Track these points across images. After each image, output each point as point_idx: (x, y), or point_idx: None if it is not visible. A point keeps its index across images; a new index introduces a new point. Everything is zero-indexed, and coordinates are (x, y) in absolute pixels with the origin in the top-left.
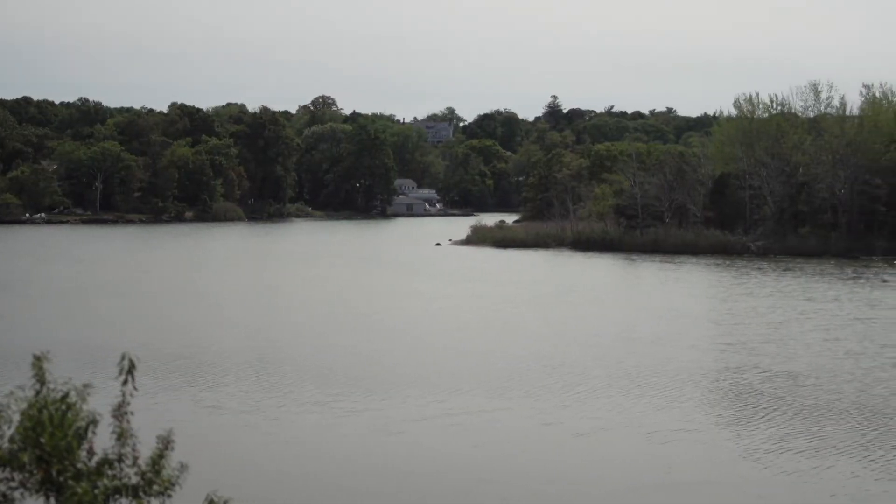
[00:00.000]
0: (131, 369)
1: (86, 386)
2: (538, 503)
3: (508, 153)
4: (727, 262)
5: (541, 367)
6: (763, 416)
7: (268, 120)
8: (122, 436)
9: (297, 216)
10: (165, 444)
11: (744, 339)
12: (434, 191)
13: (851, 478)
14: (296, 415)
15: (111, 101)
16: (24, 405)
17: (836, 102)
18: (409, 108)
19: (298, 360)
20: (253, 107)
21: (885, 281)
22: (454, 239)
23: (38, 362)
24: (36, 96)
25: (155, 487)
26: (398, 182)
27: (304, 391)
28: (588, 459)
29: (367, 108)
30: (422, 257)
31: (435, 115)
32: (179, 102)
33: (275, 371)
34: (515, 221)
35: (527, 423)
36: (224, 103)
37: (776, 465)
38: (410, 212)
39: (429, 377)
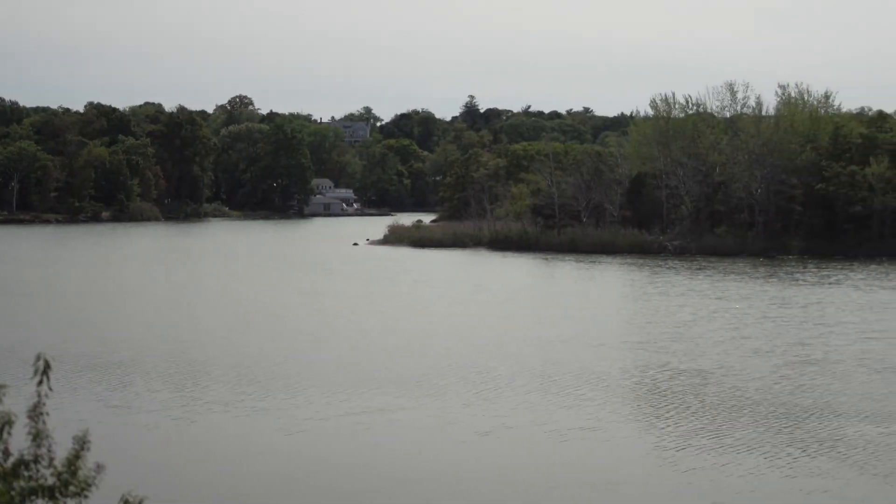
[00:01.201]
0: (46, 370)
1: (0, 387)
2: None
3: (425, 153)
4: (643, 262)
5: (448, 365)
6: (670, 414)
7: (184, 119)
8: (37, 436)
9: (214, 216)
10: (81, 444)
11: (653, 338)
12: (351, 190)
13: (756, 475)
14: (200, 414)
15: (27, 100)
16: None
17: (752, 102)
18: (325, 108)
19: (207, 360)
20: (170, 106)
21: (796, 280)
22: (371, 239)
23: None
24: None
25: (71, 488)
26: (315, 182)
27: (210, 391)
28: (489, 458)
29: (283, 108)
30: (338, 257)
31: (352, 114)
32: (96, 102)
33: (183, 371)
34: (433, 221)
35: (430, 421)
36: (141, 103)
37: (681, 463)
38: (328, 211)
39: (335, 376)
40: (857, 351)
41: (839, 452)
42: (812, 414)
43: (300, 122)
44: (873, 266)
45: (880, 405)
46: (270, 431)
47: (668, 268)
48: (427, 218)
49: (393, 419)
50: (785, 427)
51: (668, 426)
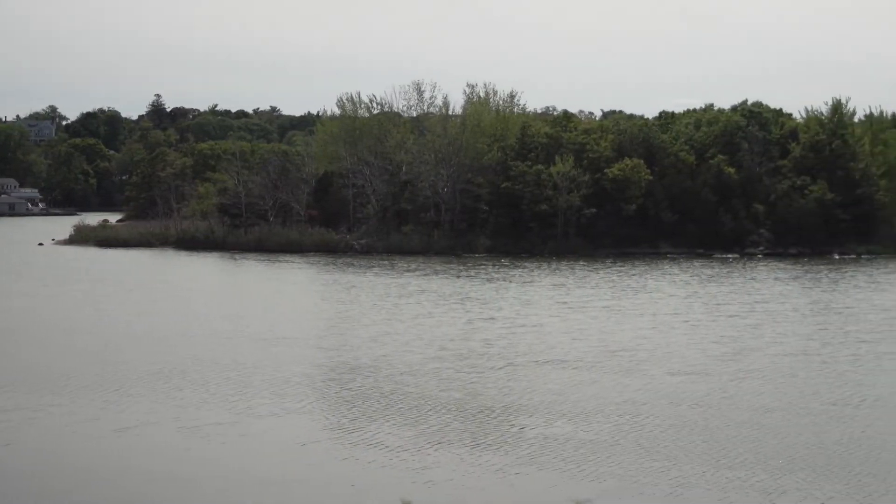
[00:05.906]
0: None
1: None
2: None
3: (112, 152)
4: (327, 261)
5: (102, 362)
6: (312, 407)
7: None
8: None
9: None
10: None
11: (312, 334)
12: (37, 190)
13: (392, 468)
14: None
15: None
16: None
17: (439, 102)
18: (10, 107)
19: None
20: None
21: (458, 276)
22: (57, 238)
23: None
24: None
25: None
26: None
27: None
28: (123, 455)
29: None
30: (22, 257)
31: (37, 113)
32: None
33: None
34: (119, 221)
35: (69, 419)
36: None
37: (312, 457)
38: (12, 211)
39: None
40: (505, 345)
41: (479, 442)
42: (458, 406)
43: None
44: (546, 263)
45: (519, 397)
46: None
47: (347, 266)
48: (113, 217)
49: (32, 417)
50: (430, 419)
51: (311, 419)
